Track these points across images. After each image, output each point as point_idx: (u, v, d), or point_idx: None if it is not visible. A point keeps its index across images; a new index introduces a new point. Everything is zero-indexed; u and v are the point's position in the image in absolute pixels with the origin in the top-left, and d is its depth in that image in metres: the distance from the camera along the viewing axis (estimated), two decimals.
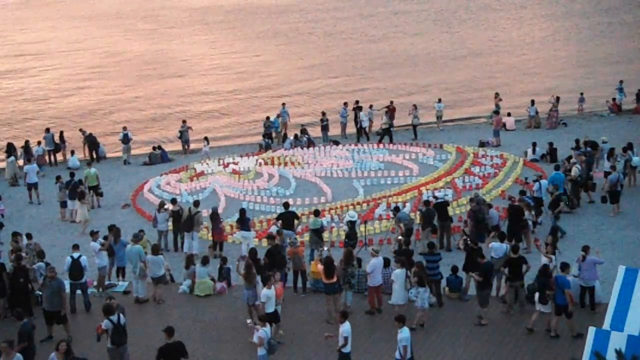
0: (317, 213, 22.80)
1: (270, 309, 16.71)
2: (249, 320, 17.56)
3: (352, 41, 68.63)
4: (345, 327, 15.17)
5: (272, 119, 36.64)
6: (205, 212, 23.72)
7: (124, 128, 35.34)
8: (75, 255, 19.35)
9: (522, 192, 23.85)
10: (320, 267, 18.66)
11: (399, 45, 65.50)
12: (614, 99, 39.61)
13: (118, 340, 15.59)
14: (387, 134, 34.90)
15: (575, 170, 25.93)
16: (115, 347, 15.59)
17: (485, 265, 17.98)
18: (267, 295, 16.76)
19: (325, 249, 20.98)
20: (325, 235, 23.89)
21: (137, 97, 50.16)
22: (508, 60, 56.95)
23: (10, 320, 17.90)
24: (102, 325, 15.62)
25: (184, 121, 36.51)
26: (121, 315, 15.74)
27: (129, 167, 34.07)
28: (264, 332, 15.30)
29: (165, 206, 23.80)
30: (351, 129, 37.28)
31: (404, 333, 14.95)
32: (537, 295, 17.53)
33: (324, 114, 36.96)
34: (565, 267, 17.34)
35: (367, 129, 36.43)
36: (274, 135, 36.47)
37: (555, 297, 17.02)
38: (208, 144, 34.47)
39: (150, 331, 17.59)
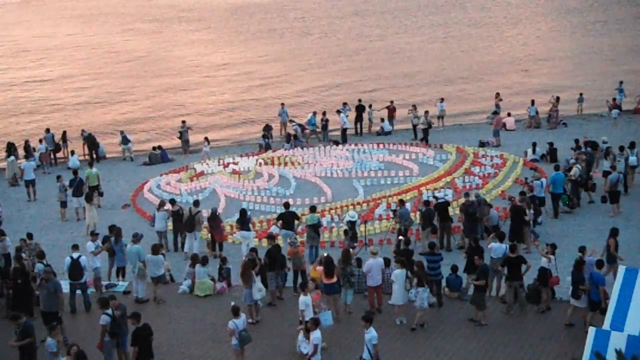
0: (313, 209, 23.12)
1: (309, 316, 16.38)
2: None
3: (352, 41, 68.65)
4: (316, 335, 15.08)
5: (309, 117, 36.59)
6: (205, 212, 23.72)
7: (122, 132, 35.64)
8: (75, 255, 19.34)
9: (523, 193, 23.80)
10: (320, 268, 18.62)
11: (399, 46, 65.52)
12: (614, 99, 39.59)
13: (118, 331, 15.88)
14: (426, 134, 34.44)
15: (575, 170, 25.92)
16: (111, 339, 15.92)
17: (482, 268, 17.90)
18: (305, 302, 16.49)
19: (325, 254, 20.88)
20: (326, 235, 23.97)
21: (136, 97, 50.18)
22: (508, 61, 56.98)
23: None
24: (101, 321, 15.81)
25: (183, 122, 36.58)
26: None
27: (129, 167, 34.11)
28: (233, 323, 15.72)
29: (166, 206, 23.75)
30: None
31: (371, 333, 14.97)
32: (570, 289, 17.62)
33: (324, 113, 36.99)
34: (600, 264, 17.56)
35: (346, 131, 36.09)
36: (308, 132, 36.42)
37: (589, 294, 17.16)
38: (208, 144, 34.51)
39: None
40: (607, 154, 27.91)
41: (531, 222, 22.81)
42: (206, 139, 34.93)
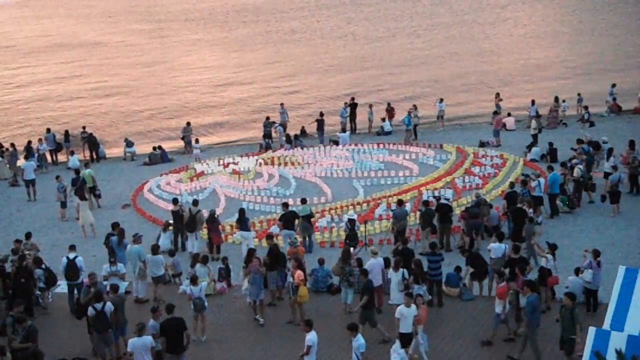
0: (304, 201, 23.75)
1: (404, 328, 15.63)
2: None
3: (350, 42, 68.70)
4: (309, 336, 14.98)
5: (404, 117, 35.34)
6: (205, 213, 23.70)
7: (125, 139, 36.02)
8: (71, 255, 19.35)
9: (512, 195, 23.61)
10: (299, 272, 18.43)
11: (396, 46, 65.53)
12: (614, 99, 39.60)
13: (100, 327, 16.22)
14: (536, 139, 32.88)
15: (577, 171, 25.92)
16: (97, 334, 16.31)
17: (366, 285, 17.24)
18: (402, 312, 15.71)
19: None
20: (325, 235, 23.99)
21: (136, 97, 50.21)
22: (508, 61, 56.98)
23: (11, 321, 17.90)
24: (87, 313, 16.32)
25: (188, 123, 36.61)
26: (108, 304, 16.33)
27: (129, 167, 34.13)
28: (190, 289, 17.40)
29: (170, 228, 23.52)
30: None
31: (359, 340, 14.88)
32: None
33: (322, 114, 36.93)
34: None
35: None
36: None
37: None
38: (197, 142, 34.57)
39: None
40: (609, 155, 27.85)
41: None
42: (196, 139, 35.04)
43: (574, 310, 15.35)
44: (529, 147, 32.21)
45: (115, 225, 21.34)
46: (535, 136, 33.03)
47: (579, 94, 39.98)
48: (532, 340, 15.91)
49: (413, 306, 15.80)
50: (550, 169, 26.26)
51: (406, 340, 15.66)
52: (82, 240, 24.05)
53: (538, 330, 15.98)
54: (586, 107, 35.59)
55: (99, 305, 16.18)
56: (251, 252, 19.62)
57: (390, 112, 38.22)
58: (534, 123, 33.72)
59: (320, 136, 36.13)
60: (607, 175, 26.28)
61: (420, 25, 77.13)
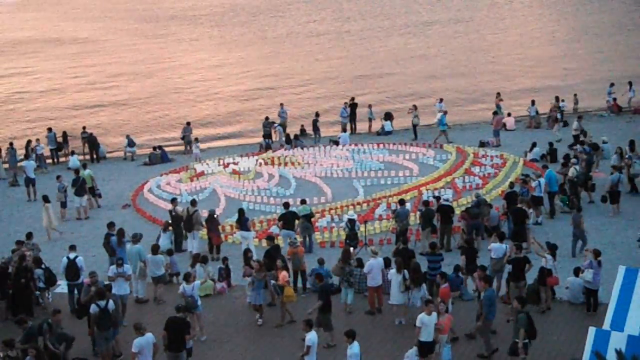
0: (303, 201, 23.83)
1: (424, 337, 15.33)
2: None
3: (350, 42, 68.70)
4: (309, 336, 14.99)
5: (439, 117, 35.13)
6: (204, 212, 23.69)
7: (127, 136, 36.03)
8: (72, 255, 19.35)
9: (512, 195, 23.63)
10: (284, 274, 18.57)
11: (395, 46, 65.55)
12: (614, 99, 39.57)
13: (103, 324, 16.28)
14: (577, 141, 31.97)
15: (572, 171, 25.91)
16: (99, 331, 16.36)
17: (323, 287, 17.35)
18: (423, 321, 15.39)
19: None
20: (326, 235, 23.99)
21: (136, 97, 50.20)
22: (507, 61, 56.98)
23: (11, 322, 17.92)
24: (90, 310, 16.37)
25: (188, 123, 36.59)
26: (111, 302, 16.44)
27: (129, 167, 34.12)
28: (183, 287, 17.57)
29: (170, 228, 23.49)
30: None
31: (354, 349, 14.80)
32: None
33: (317, 114, 36.89)
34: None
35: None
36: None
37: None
38: (197, 142, 34.59)
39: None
40: (622, 155, 27.74)
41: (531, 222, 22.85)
42: (196, 139, 35.03)
43: (519, 314, 15.15)
44: (571, 146, 31.54)
45: (110, 225, 21.28)
46: (576, 137, 32.29)
47: (574, 95, 39.89)
48: (485, 332, 16.23)
49: (434, 314, 15.61)
50: (545, 167, 26.24)
51: (425, 349, 15.42)
52: (82, 240, 24.03)
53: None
54: (559, 107, 35.67)
55: (102, 303, 16.25)
56: (246, 253, 19.65)
57: (390, 115, 38.22)
58: (575, 124, 33.05)
59: (317, 136, 36.12)
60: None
61: (415, 24, 77.19)
